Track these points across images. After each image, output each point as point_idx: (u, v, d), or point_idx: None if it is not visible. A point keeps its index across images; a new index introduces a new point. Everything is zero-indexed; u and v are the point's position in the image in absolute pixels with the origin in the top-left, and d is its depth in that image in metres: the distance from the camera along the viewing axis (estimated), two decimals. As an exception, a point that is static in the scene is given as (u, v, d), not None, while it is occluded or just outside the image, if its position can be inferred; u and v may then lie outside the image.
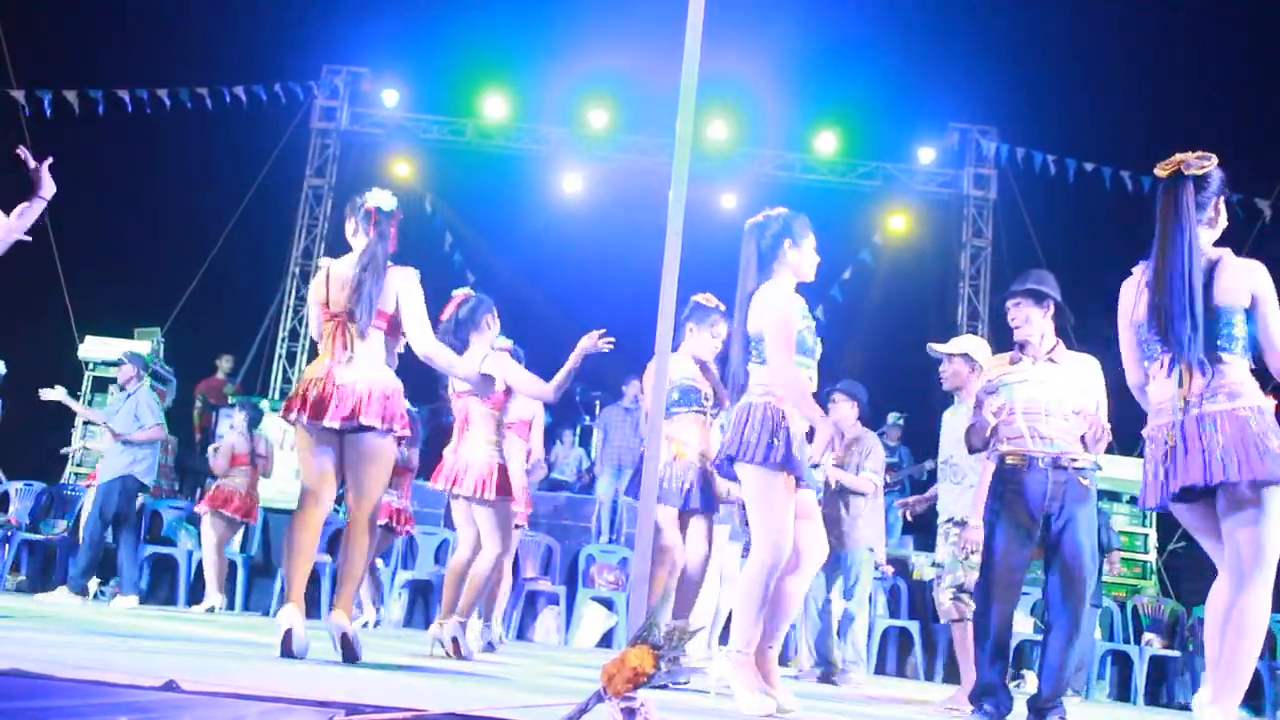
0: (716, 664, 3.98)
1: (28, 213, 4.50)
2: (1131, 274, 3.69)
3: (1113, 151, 12.63)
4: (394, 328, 4.34)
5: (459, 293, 5.49)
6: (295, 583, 4.17)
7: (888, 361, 11.78)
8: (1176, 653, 9.19)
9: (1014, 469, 4.26)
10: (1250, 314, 3.44)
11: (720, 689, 3.99)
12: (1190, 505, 3.52)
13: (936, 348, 5.40)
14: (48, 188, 4.55)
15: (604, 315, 11.27)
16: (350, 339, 4.25)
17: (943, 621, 5.40)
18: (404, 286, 4.35)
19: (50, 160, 4.59)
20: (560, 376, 5.06)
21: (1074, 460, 4.23)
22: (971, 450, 4.61)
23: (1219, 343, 3.43)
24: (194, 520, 9.60)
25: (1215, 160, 3.56)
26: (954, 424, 5.28)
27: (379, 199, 4.42)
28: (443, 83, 13.81)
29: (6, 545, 8.94)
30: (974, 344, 5.44)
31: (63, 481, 10.17)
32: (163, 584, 9.21)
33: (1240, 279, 3.44)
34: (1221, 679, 3.34)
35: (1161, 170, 3.58)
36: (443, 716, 2.42)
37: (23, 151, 4.51)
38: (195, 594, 8.99)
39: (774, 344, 3.88)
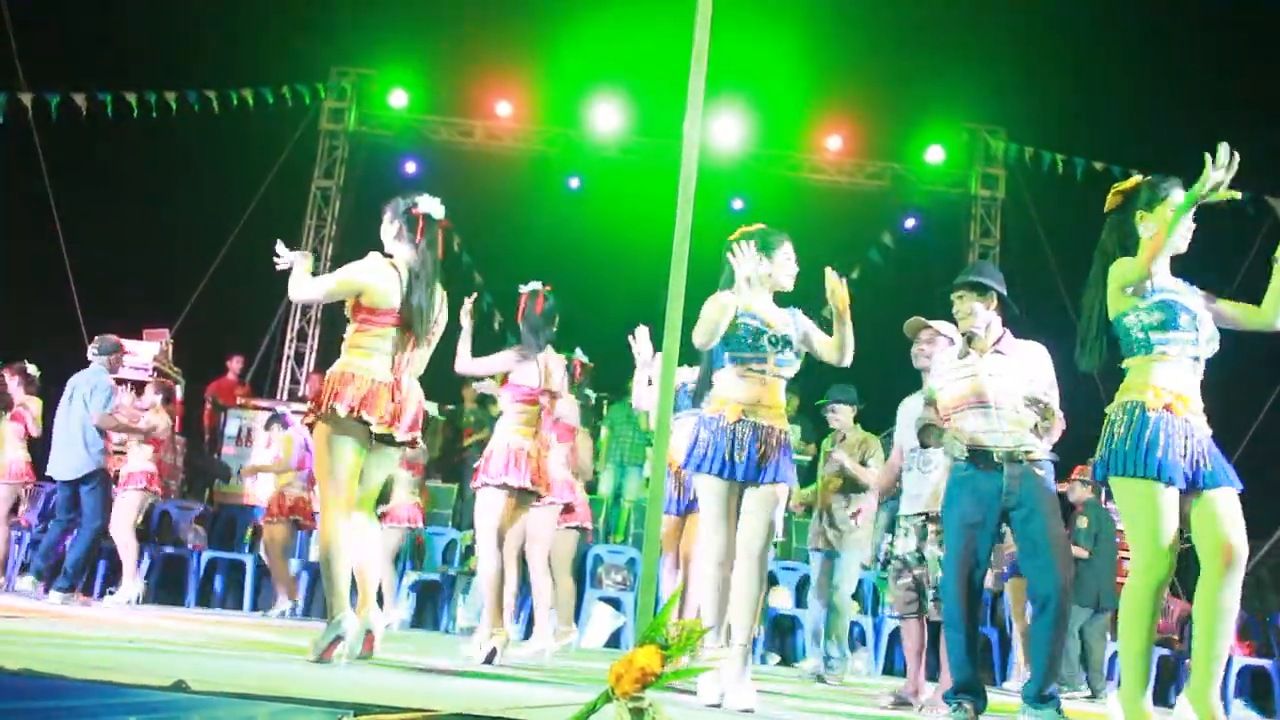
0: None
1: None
2: None
3: (1121, 150, 12.59)
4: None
5: (543, 287, 5.58)
6: (347, 590, 4.17)
7: (896, 362, 11.76)
8: (1186, 652, 9.16)
9: (969, 465, 4.24)
10: (1128, 310, 3.56)
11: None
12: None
13: (926, 322, 5.22)
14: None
15: (611, 316, 11.29)
16: (409, 349, 4.24)
17: (897, 614, 5.21)
18: (444, 310, 4.43)
19: None
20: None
21: (1028, 452, 4.21)
22: (924, 446, 4.62)
23: (1120, 350, 3.62)
24: (200, 521, 9.65)
25: (1118, 188, 3.70)
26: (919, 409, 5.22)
27: (429, 205, 4.32)
28: (451, 84, 13.83)
29: (17, 546, 8.97)
30: (954, 330, 5.36)
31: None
32: (172, 585, 9.24)
33: (1110, 286, 3.59)
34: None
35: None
36: (451, 717, 2.43)
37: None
38: (203, 595, 9.04)
39: (700, 329, 4.07)
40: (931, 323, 5.20)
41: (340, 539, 4.10)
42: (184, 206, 12.37)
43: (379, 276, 4.17)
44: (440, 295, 4.40)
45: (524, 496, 5.34)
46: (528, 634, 6.48)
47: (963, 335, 4.46)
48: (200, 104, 12.57)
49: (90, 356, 7.97)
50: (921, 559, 5.09)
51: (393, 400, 4.13)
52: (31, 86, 11.73)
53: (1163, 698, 9.09)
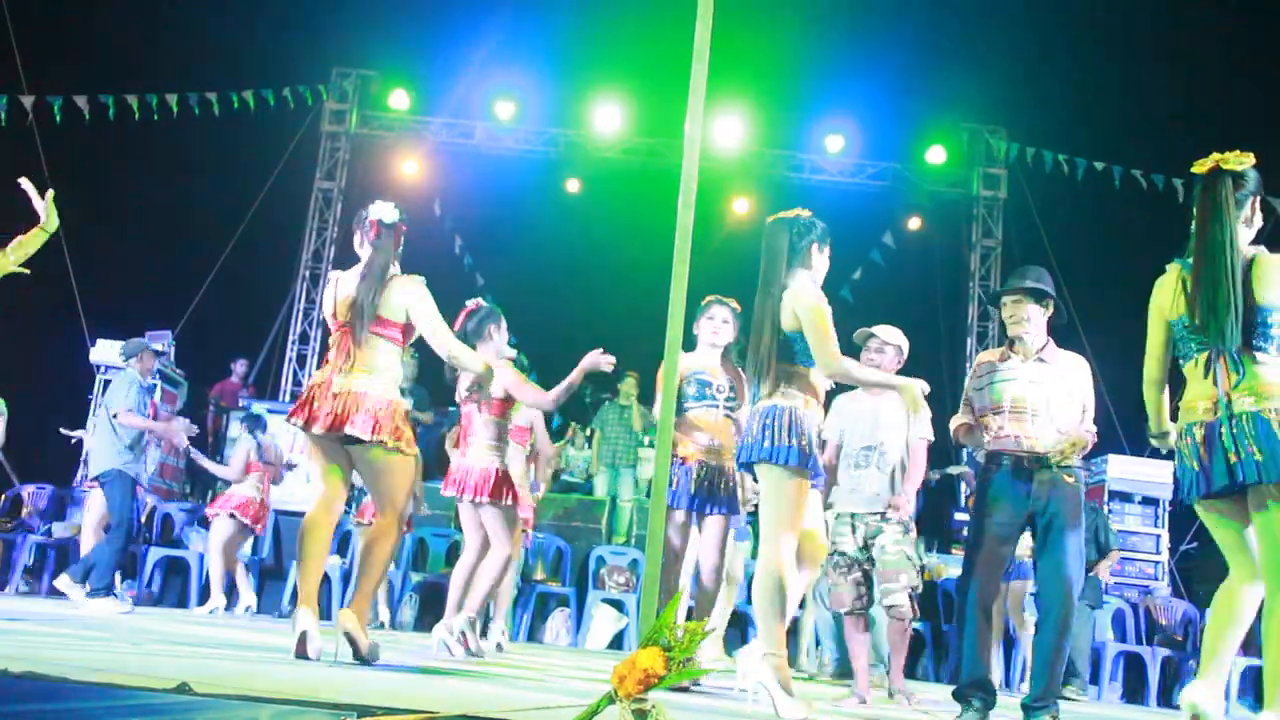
0: (745, 665, 3.98)
1: (26, 244, 4.59)
2: (1166, 270, 3.68)
3: (1123, 150, 12.59)
4: (399, 337, 4.40)
5: (470, 304, 5.62)
6: (307, 585, 4.24)
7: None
8: (1189, 652, 9.15)
9: (1000, 467, 4.25)
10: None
11: (755, 691, 3.98)
12: (1218, 502, 3.51)
13: (875, 331, 5.23)
14: (50, 220, 4.63)
15: (613, 317, 11.28)
16: (352, 348, 4.30)
17: (905, 619, 5.10)
18: (412, 295, 4.39)
19: (52, 192, 4.64)
20: (559, 390, 5.25)
21: (1061, 457, 4.22)
22: (960, 447, 4.64)
23: (1254, 341, 3.44)
24: (204, 523, 9.65)
25: (1253, 159, 3.57)
26: (888, 409, 5.19)
27: (380, 211, 4.47)
28: (452, 85, 13.81)
29: (19, 547, 8.98)
30: (902, 338, 5.36)
31: (75, 484, 10.21)
32: (174, 586, 9.24)
33: (1275, 275, 3.43)
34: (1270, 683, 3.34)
35: (1199, 167, 3.60)
36: (454, 719, 2.43)
37: (24, 184, 4.60)
38: (205, 597, 9.02)
39: (818, 338, 3.87)
40: (876, 331, 5.22)
41: (300, 537, 4.31)
42: (186, 208, 12.37)
43: (325, 293, 4.57)
44: (404, 291, 4.37)
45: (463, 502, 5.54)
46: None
47: (1010, 339, 4.44)
48: (201, 106, 12.58)
49: (121, 362, 8.02)
50: (870, 556, 5.09)
51: (319, 401, 4.23)
52: (33, 89, 11.74)
53: (1167, 698, 9.09)
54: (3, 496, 9.51)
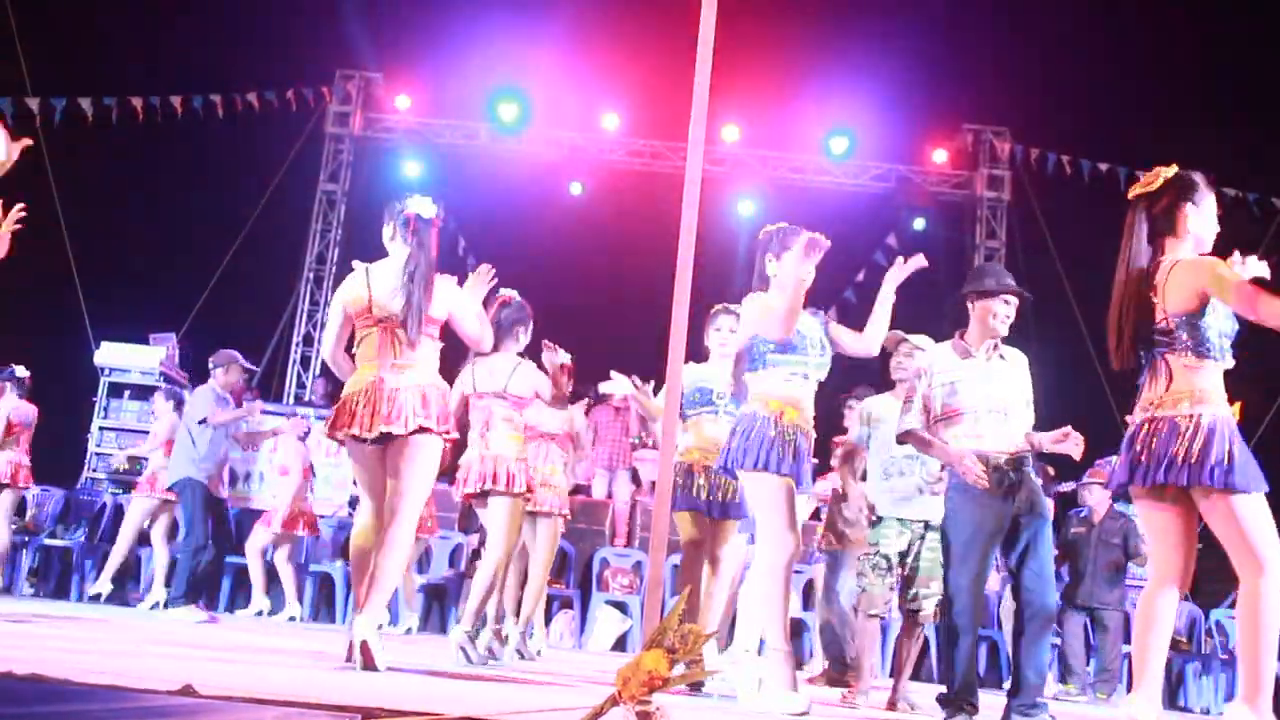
0: (745, 664, 4.00)
1: None
2: None
3: (1127, 152, 12.56)
4: (437, 334, 4.35)
5: (504, 294, 5.56)
6: (359, 592, 4.19)
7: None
8: (1193, 654, 9.14)
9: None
10: (1206, 312, 3.41)
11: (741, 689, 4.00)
12: (1157, 502, 3.50)
13: (904, 336, 5.20)
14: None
15: (617, 320, 11.26)
16: (399, 346, 4.21)
17: (923, 625, 5.12)
18: (453, 297, 4.37)
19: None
20: (556, 400, 5.53)
21: (1029, 457, 4.23)
22: (900, 444, 4.59)
23: (1174, 349, 3.44)
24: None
25: (1163, 174, 3.59)
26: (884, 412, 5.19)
27: (419, 205, 4.34)
28: (456, 87, 13.81)
29: (24, 550, 8.99)
30: (933, 345, 5.35)
31: (79, 486, 10.22)
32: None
33: (1185, 283, 3.42)
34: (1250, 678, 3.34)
35: (1131, 194, 3.65)
36: (458, 721, 2.43)
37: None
38: (209, 599, 9.04)
39: (770, 323, 4.03)
40: (910, 337, 5.20)
41: (354, 542, 4.33)
42: (189, 211, 12.38)
43: (349, 285, 4.36)
44: (445, 292, 4.32)
45: (480, 499, 5.48)
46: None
47: (992, 340, 4.37)
48: (205, 108, 12.59)
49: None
50: (903, 560, 5.08)
51: (368, 403, 4.13)
52: (37, 91, 11.76)
53: (1172, 700, 9.07)
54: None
